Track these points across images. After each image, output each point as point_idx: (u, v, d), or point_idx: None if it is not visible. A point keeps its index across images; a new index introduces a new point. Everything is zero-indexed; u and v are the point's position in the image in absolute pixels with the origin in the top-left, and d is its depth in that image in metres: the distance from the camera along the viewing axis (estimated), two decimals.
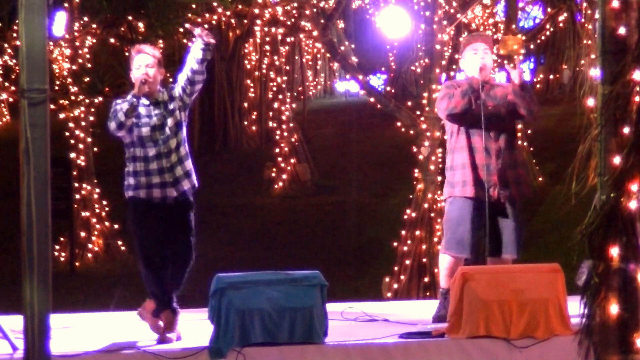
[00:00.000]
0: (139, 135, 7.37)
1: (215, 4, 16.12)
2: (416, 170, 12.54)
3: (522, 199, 8.10)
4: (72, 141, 15.83)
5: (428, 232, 12.22)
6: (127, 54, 13.57)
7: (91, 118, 15.95)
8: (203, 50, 7.39)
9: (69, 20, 13.64)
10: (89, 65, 15.32)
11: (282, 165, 18.32)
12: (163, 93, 7.48)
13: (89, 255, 15.85)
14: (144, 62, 7.41)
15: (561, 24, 21.04)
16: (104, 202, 16.08)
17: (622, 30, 5.20)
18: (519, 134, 8.34)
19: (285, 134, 18.49)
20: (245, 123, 20.57)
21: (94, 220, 15.96)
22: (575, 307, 5.45)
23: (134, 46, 7.68)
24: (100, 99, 13.98)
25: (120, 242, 15.97)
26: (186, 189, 7.46)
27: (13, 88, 16.17)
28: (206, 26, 7.14)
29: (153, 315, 7.40)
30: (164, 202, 7.39)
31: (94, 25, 14.50)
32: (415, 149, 12.53)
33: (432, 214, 12.18)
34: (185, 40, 16.72)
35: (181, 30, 14.13)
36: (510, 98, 8.03)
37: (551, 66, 22.00)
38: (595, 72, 5.37)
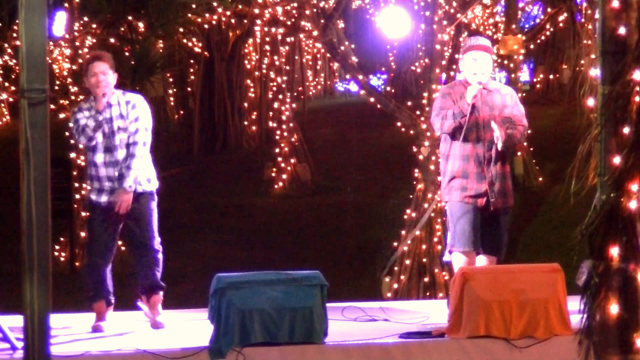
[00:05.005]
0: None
1: (215, 4, 16.10)
2: (416, 170, 12.53)
3: (507, 211, 8.12)
4: (72, 141, 15.79)
5: (428, 232, 12.21)
6: (127, 54, 13.61)
7: None
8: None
9: (69, 20, 13.63)
10: None
11: (282, 165, 18.30)
12: (115, 94, 7.83)
13: None
14: (98, 69, 7.77)
15: (561, 24, 21.02)
16: None
17: (622, 30, 5.20)
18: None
19: (285, 134, 18.46)
20: (245, 123, 20.53)
21: None
22: (575, 307, 5.45)
23: (88, 55, 8.14)
24: None
25: (120, 242, 15.91)
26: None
27: (13, 88, 16.14)
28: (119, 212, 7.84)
29: (89, 302, 7.94)
30: (109, 207, 7.79)
31: (94, 25, 14.47)
32: (415, 149, 12.53)
33: (432, 214, 12.18)
34: (185, 40, 16.73)
35: (181, 30, 14.13)
36: (505, 116, 8.04)
37: (551, 66, 21.95)
38: (595, 72, 5.36)
